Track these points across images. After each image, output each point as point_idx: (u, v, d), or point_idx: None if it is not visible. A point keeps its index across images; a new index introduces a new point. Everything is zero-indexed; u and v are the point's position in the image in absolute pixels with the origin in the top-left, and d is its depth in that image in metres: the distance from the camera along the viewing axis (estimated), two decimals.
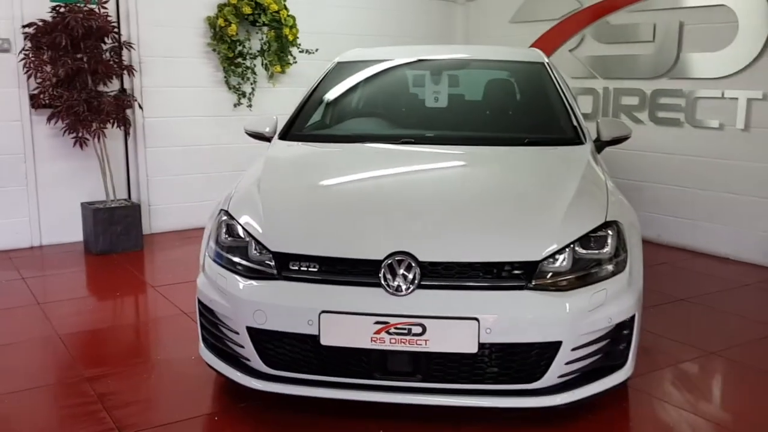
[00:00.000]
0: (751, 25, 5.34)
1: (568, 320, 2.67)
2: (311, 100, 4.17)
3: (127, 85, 6.08)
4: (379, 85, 4.38)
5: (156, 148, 6.37)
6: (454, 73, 4.47)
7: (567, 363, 2.72)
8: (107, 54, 5.71)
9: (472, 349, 2.62)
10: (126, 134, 6.16)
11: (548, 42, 6.87)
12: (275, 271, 2.82)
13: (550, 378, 2.72)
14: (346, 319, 2.67)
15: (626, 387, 3.21)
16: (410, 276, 2.68)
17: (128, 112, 6.00)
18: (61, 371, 3.49)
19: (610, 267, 2.84)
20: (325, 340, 2.69)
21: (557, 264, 2.75)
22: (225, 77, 6.55)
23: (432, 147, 3.68)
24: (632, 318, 2.88)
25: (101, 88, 5.71)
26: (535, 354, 2.69)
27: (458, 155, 3.61)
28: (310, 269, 2.79)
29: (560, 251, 2.76)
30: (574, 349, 2.71)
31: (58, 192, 5.96)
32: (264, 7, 6.33)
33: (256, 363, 2.84)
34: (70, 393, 3.23)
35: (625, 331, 2.88)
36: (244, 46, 6.47)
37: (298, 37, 6.56)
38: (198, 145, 6.57)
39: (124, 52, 5.84)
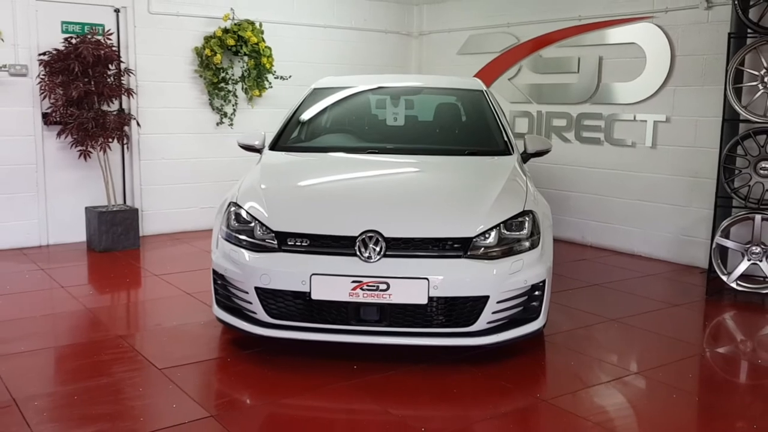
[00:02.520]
0: (656, 61, 6.47)
1: (494, 280, 3.66)
2: (294, 119, 5.11)
3: (124, 106, 6.94)
4: (348, 107, 5.36)
5: (149, 160, 7.22)
6: (410, 98, 5.46)
7: (494, 312, 3.70)
8: (110, 79, 6.57)
9: (423, 300, 3.59)
10: (124, 148, 7.01)
11: (491, 71, 7.95)
12: (276, 246, 3.75)
13: (481, 323, 3.69)
14: (331, 280, 3.61)
15: (543, 341, 4.21)
16: (378, 248, 3.64)
17: (126, 128, 6.85)
18: (98, 332, 4.34)
19: (526, 244, 3.84)
20: (314, 295, 3.63)
21: (487, 240, 3.74)
22: (209, 99, 7.46)
23: (392, 156, 4.66)
24: (543, 282, 3.88)
25: (104, 108, 6.57)
26: (470, 305, 3.66)
27: (413, 162, 4.59)
28: (302, 243, 3.73)
29: (489, 231, 3.76)
30: (499, 302, 3.69)
31: (64, 198, 6.78)
32: (245, 40, 7.28)
33: (261, 315, 3.76)
34: (110, 346, 4.09)
35: (537, 292, 3.86)
36: (226, 73, 7.39)
37: (273, 65, 7.51)
38: (185, 158, 7.45)
39: (125, 76, 6.70)
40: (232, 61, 7.43)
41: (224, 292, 3.98)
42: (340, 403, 3.43)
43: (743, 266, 5.27)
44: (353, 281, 3.59)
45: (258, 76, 7.47)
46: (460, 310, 3.67)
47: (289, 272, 3.67)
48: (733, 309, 5.14)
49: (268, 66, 7.46)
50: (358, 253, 3.65)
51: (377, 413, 3.33)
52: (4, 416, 3.19)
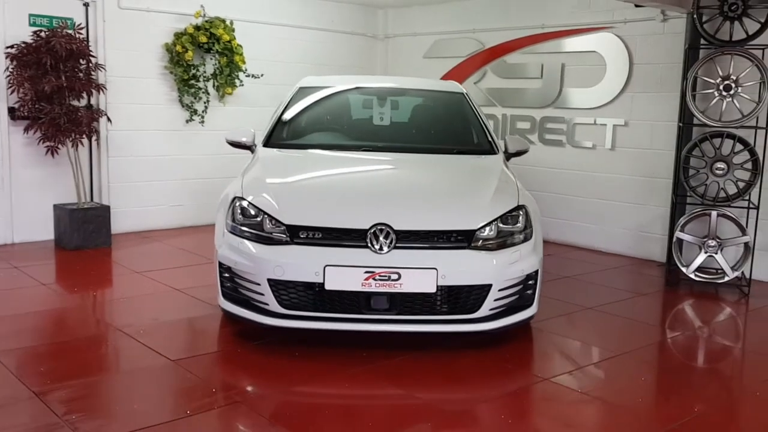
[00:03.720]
0: (616, 68, 6.87)
1: (496, 270, 3.90)
2: (284, 117, 5.22)
3: (93, 101, 6.87)
4: (337, 106, 5.52)
5: (117, 157, 7.18)
6: (396, 98, 5.66)
7: (495, 300, 3.93)
8: (81, 73, 6.51)
9: (432, 289, 3.79)
10: (92, 145, 6.95)
11: (456, 75, 8.22)
12: (288, 239, 3.89)
13: (484, 311, 3.92)
14: (344, 270, 3.77)
15: (531, 327, 4.48)
16: (388, 240, 3.82)
17: (95, 124, 6.79)
18: (97, 327, 4.36)
19: (521, 236, 4.10)
20: (328, 286, 3.78)
21: (486, 233, 3.98)
22: (179, 96, 7.46)
23: (387, 154, 4.84)
24: (536, 272, 4.14)
25: (73, 103, 6.50)
26: (474, 293, 3.88)
27: (409, 160, 4.79)
28: (315, 236, 3.88)
29: (488, 224, 3.99)
30: (500, 290, 3.93)
31: (30, 195, 6.67)
32: (217, 37, 7.32)
33: (274, 306, 3.88)
34: (114, 339, 4.13)
35: (531, 281, 4.12)
36: (197, 70, 7.42)
37: (245, 63, 7.58)
38: (154, 155, 7.43)
39: (95, 72, 6.64)
40: (204, 58, 7.45)
41: (231, 284, 4.08)
42: (360, 389, 3.58)
43: (700, 259, 5.68)
44: (366, 272, 3.75)
45: (230, 73, 7.52)
46: (465, 298, 3.89)
47: (303, 264, 3.81)
48: (692, 297, 5.53)
49: (240, 64, 7.52)
50: (369, 244, 3.82)
51: (401, 397, 3.50)
52: (29, 407, 3.22)
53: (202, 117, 7.59)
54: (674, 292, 5.64)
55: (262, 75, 7.79)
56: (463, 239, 3.93)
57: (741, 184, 5.60)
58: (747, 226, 5.61)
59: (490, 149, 5.02)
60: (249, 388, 3.56)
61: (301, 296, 3.86)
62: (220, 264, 4.11)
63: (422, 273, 3.78)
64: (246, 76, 7.72)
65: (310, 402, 3.45)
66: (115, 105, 7.06)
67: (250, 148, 5.15)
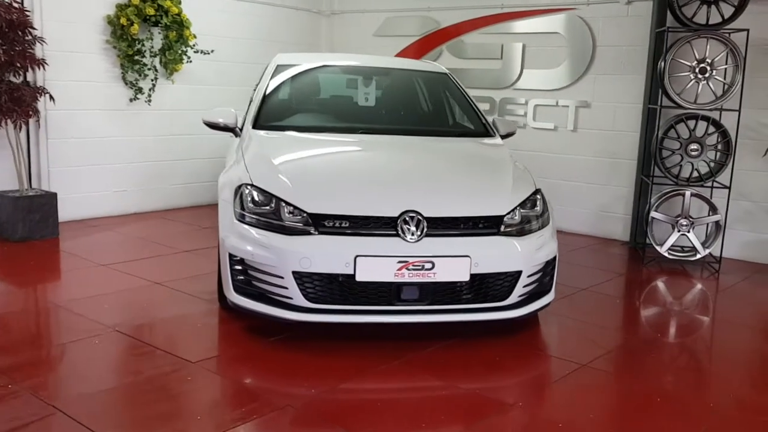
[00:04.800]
0: (578, 50, 6.93)
1: (525, 255, 3.81)
2: (269, 96, 4.91)
3: (29, 78, 6.26)
4: (323, 86, 5.26)
5: (57, 139, 6.59)
6: (381, 78, 5.45)
7: (524, 286, 3.85)
8: (20, 47, 5.89)
9: (466, 278, 3.66)
10: (30, 126, 6.33)
11: (410, 55, 8.06)
12: (312, 228, 3.64)
13: (513, 297, 3.83)
14: (376, 261, 3.57)
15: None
16: (419, 228, 3.65)
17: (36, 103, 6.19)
18: (91, 327, 3.94)
19: (541, 221, 4.03)
20: (359, 277, 3.57)
21: (513, 218, 3.88)
22: (122, 73, 6.92)
23: (388, 137, 4.65)
24: (554, 258, 4.09)
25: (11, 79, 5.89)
26: (506, 280, 3.79)
27: (415, 143, 4.61)
28: (341, 225, 3.65)
29: (514, 209, 3.90)
30: (528, 276, 3.85)
31: None
32: (165, 9, 6.83)
33: (299, 300, 3.63)
34: (117, 341, 3.76)
35: (550, 267, 4.07)
36: (143, 45, 6.90)
37: (196, 37, 7.12)
38: (96, 137, 6.87)
39: (35, 45, 6.03)
40: (152, 32, 6.94)
41: (245, 277, 3.79)
42: (403, 382, 3.42)
43: (674, 237, 5.84)
44: (399, 261, 3.58)
45: (179, 49, 7.04)
46: (497, 285, 3.78)
47: (332, 255, 3.58)
48: (673, 274, 5.66)
49: (190, 39, 7.06)
50: (400, 233, 3.64)
51: (444, 388, 3.37)
52: (54, 423, 2.86)
53: (149, 96, 7.08)
54: (652, 271, 5.76)
55: (212, 51, 7.35)
56: (491, 225, 3.81)
57: (713, 165, 5.77)
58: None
59: (486, 131, 4.93)
60: (291, 390, 3.30)
61: (329, 289, 3.64)
62: (231, 256, 3.81)
63: (455, 261, 3.64)
64: (195, 52, 7.25)
65: (360, 399, 3.27)
66: (53, 82, 6.45)
67: (233, 130, 4.82)
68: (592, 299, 4.92)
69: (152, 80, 7.05)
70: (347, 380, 3.39)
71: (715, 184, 5.81)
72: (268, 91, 4.94)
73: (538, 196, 4.10)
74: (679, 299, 5.16)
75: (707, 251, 5.81)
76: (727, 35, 5.53)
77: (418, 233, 3.65)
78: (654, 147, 5.98)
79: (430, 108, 5.29)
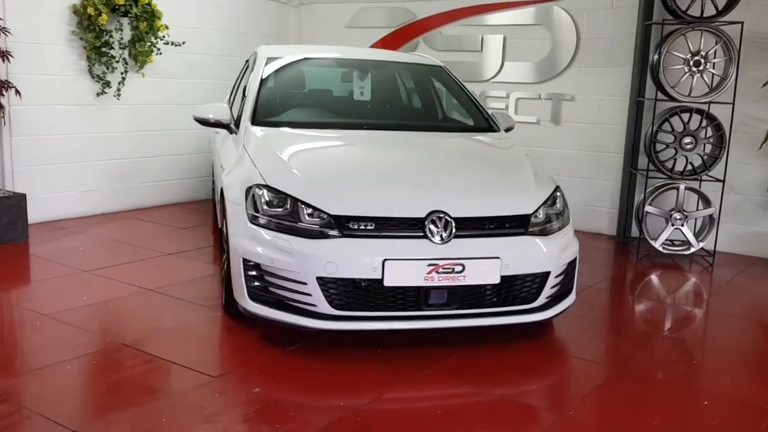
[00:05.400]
0: (562, 42, 6.86)
1: (553, 255, 3.69)
2: (264, 91, 4.66)
3: None
4: (318, 80, 5.05)
5: (20, 136, 6.16)
6: (376, 71, 5.25)
7: (551, 287, 3.72)
8: None
9: (496, 280, 3.51)
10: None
11: (385, 47, 7.87)
12: (337, 231, 3.43)
13: (541, 299, 3.70)
14: (405, 264, 3.39)
15: None
16: (448, 229, 3.48)
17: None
18: (94, 341, 3.63)
19: (562, 220, 3.91)
20: (387, 282, 3.38)
21: (537, 217, 3.75)
22: (88, 66, 6.51)
23: (395, 133, 4.46)
24: (576, 258, 3.97)
25: None
26: (534, 281, 3.65)
27: (425, 139, 4.45)
28: (367, 227, 3.45)
29: (539, 208, 3.77)
30: (555, 277, 3.72)
31: None
32: None
33: (323, 307, 3.41)
34: (127, 356, 3.47)
35: (572, 267, 3.95)
36: (111, 36, 6.51)
37: (168, 28, 6.76)
38: (61, 134, 6.45)
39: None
40: (121, 23, 6.55)
41: (261, 283, 3.55)
42: (436, 390, 3.27)
43: (668, 232, 5.83)
44: (429, 264, 3.40)
45: (150, 41, 6.67)
46: (526, 287, 3.64)
47: (359, 259, 3.38)
48: (672, 269, 5.63)
49: (162, 30, 6.70)
50: (428, 234, 3.46)
51: (479, 395, 3.23)
52: None
53: (118, 90, 6.69)
54: (647, 265, 5.72)
55: (183, 43, 7.00)
56: (518, 225, 3.67)
57: (707, 158, 5.77)
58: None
59: (489, 126, 4.79)
60: (325, 403, 3.09)
61: (355, 295, 3.43)
62: (246, 261, 3.56)
63: (486, 263, 3.49)
64: (165, 43, 6.89)
65: (397, 410, 3.09)
66: (17, 76, 6.02)
67: (227, 126, 4.56)
68: (600, 297, 4.85)
69: (122, 74, 6.66)
70: (380, 391, 3.20)
71: (708, 178, 5.80)
72: (263, 86, 4.69)
73: (558, 194, 3.99)
74: (700, 297, 5.10)
75: (701, 245, 5.81)
76: (721, 28, 5.52)
77: (447, 234, 3.47)
78: (647, 140, 5.95)
79: (429, 102, 5.12)
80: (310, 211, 3.49)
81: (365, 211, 3.47)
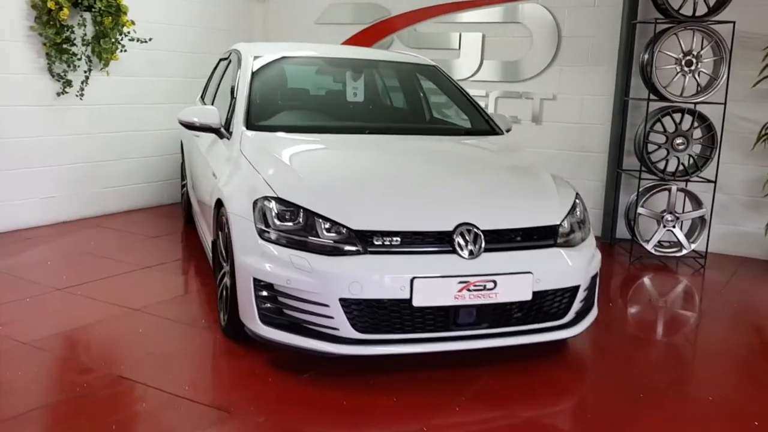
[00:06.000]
0: (543, 40, 6.72)
1: (583, 268, 3.51)
2: (255, 93, 4.35)
3: None
4: (310, 81, 4.76)
5: None
6: (371, 72, 4.99)
7: (580, 302, 3.55)
8: None
9: (528, 296, 3.30)
10: None
11: (358, 43, 7.59)
12: (360, 247, 3.17)
13: (570, 315, 3.52)
14: (435, 282, 3.15)
15: None
16: (477, 243, 3.26)
17: None
18: (84, 372, 3.28)
19: (584, 230, 3.73)
20: (417, 302, 3.14)
21: (564, 227, 3.56)
22: (48, 64, 6.05)
23: (399, 137, 4.23)
24: (598, 270, 3.80)
25: None
26: (564, 296, 3.46)
27: (434, 144, 4.23)
28: (392, 243, 3.20)
29: (565, 217, 3.58)
30: (584, 291, 3.55)
31: None
32: None
33: (346, 331, 3.15)
34: (125, 390, 3.13)
35: (594, 280, 3.76)
36: (72, 32, 6.05)
37: (134, 24, 6.34)
38: (18, 137, 5.97)
39: None
40: (84, 18, 6.09)
41: (274, 305, 3.27)
42: (476, 416, 3.05)
43: (660, 233, 5.76)
44: (460, 282, 3.17)
45: (115, 37, 6.24)
46: (557, 302, 3.45)
47: (386, 278, 3.12)
48: (669, 273, 5.54)
49: (128, 26, 6.27)
50: (457, 249, 3.23)
51: (506, 417, 3.06)
52: None
53: (81, 89, 6.24)
54: (639, 268, 5.64)
55: (150, 39, 6.58)
56: (546, 236, 3.48)
57: (698, 159, 5.71)
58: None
59: (491, 129, 4.60)
60: None
61: (380, 316, 3.18)
62: (257, 281, 3.27)
63: (517, 279, 3.28)
64: (130, 40, 6.45)
65: None
66: None
67: (216, 131, 4.25)
68: (608, 304, 4.70)
69: (85, 72, 6.21)
70: (424, 420, 2.95)
71: (699, 179, 5.75)
72: (253, 87, 4.38)
73: (578, 201, 3.81)
74: (709, 302, 5.02)
75: (693, 246, 5.76)
76: (712, 27, 5.45)
77: (476, 249, 3.25)
78: (638, 141, 5.86)
79: (427, 104, 4.90)
80: (328, 225, 3.22)
81: (390, 225, 3.22)
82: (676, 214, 5.75)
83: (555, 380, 3.45)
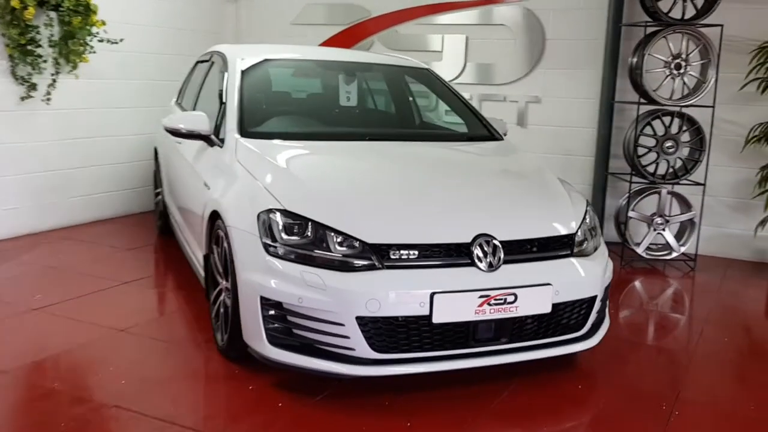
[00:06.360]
0: (527, 43, 6.62)
1: (599, 278, 3.39)
2: (246, 98, 4.13)
3: None
4: (303, 85, 4.56)
5: None
6: (364, 75, 4.80)
7: (596, 312, 3.42)
8: None
9: (548, 309, 3.16)
10: None
11: (337, 45, 7.40)
12: (377, 262, 2.98)
13: (586, 326, 3.39)
14: (455, 297, 2.99)
15: None
16: (497, 254, 3.11)
17: None
18: (70, 403, 3.02)
19: (596, 238, 3.61)
20: (437, 318, 2.97)
21: (578, 236, 3.43)
22: (11, 66, 5.70)
23: (401, 143, 4.06)
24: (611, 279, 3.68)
25: None
26: (582, 307, 3.33)
27: (436, 150, 4.07)
28: (410, 257, 3.02)
29: (579, 226, 3.46)
30: (600, 301, 3.42)
31: None
32: None
33: (363, 351, 2.96)
34: (124, 423, 2.88)
35: (607, 289, 3.65)
36: (38, 32, 5.72)
37: (105, 24, 6.02)
38: None
39: None
40: (51, 17, 5.76)
41: (282, 325, 3.06)
42: None
43: (650, 237, 5.71)
44: (481, 296, 3.01)
45: (84, 38, 5.92)
46: (576, 314, 3.32)
47: (405, 294, 2.95)
48: (660, 276, 5.49)
49: (98, 26, 5.96)
50: (476, 261, 3.07)
51: None
52: None
53: (48, 93, 5.90)
54: (631, 271, 5.56)
55: (121, 40, 6.27)
56: (562, 246, 3.34)
57: (687, 162, 5.67)
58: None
59: (490, 134, 4.46)
60: None
61: (398, 335, 3.00)
62: (264, 300, 3.06)
63: (537, 291, 3.14)
64: (99, 41, 6.14)
65: None
66: None
67: (206, 138, 4.03)
68: (611, 311, 4.59)
69: (51, 75, 5.88)
70: None
71: (688, 182, 5.71)
72: (245, 92, 4.15)
73: (588, 208, 3.69)
74: (707, 305, 4.95)
75: (683, 249, 5.72)
76: (700, 30, 5.42)
77: (495, 261, 3.10)
78: (627, 144, 5.80)
79: (423, 109, 4.73)
80: (340, 239, 3.03)
81: (407, 238, 3.05)
82: (666, 217, 5.70)
83: (573, 392, 3.32)
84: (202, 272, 4.02)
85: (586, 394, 3.34)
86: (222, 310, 3.52)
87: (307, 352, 3.03)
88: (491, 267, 3.08)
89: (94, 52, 6.14)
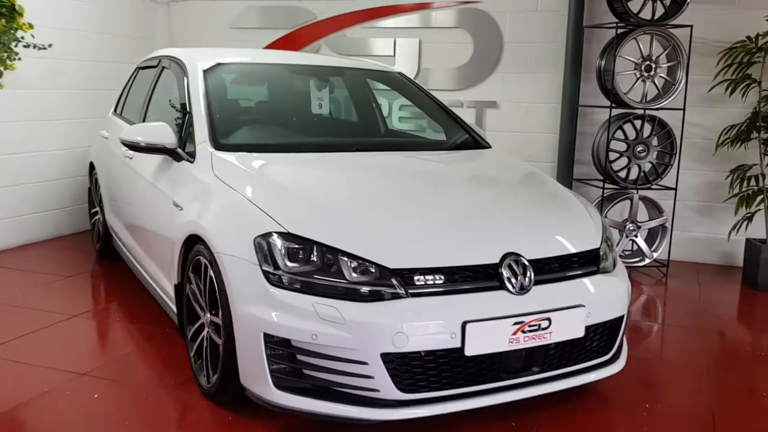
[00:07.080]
0: (484, 46, 6.41)
1: (626, 295, 3.15)
2: (215, 107, 3.69)
3: None
4: (275, 92, 4.16)
5: None
6: (336, 81, 4.44)
7: (622, 334, 3.18)
8: None
9: (581, 333, 2.89)
10: None
11: (281, 48, 6.98)
12: (401, 290, 2.63)
13: (613, 348, 3.14)
14: (488, 326, 2.67)
15: None
16: (527, 274, 2.81)
17: None
18: None
19: (614, 252, 3.37)
20: (469, 350, 2.64)
21: (602, 252, 3.18)
22: None
23: (391, 154, 3.73)
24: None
25: None
26: (610, 328, 3.08)
27: (434, 161, 3.77)
28: (436, 282, 2.69)
29: (602, 240, 3.21)
30: (625, 322, 3.18)
31: None
32: None
33: (388, 391, 2.61)
34: None
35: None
36: None
37: (33, 28, 5.39)
38: None
39: None
40: None
41: (290, 366, 2.66)
42: None
43: (623, 243, 5.58)
44: (515, 323, 2.71)
45: (10, 43, 5.28)
46: (605, 336, 3.07)
47: (433, 325, 2.61)
48: (637, 284, 5.36)
49: (25, 29, 5.32)
50: (507, 283, 2.77)
51: None
52: None
53: None
54: None
55: (50, 45, 5.64)
56: (587, 263, 3.08)
57: (658, 165, 5.58)
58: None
59: (477, 142, 4.19)
60: None
61: (427, 371, 2.65)
62: (268, 337, 2.65)
63: (569, 314, 2.86)
64: (25, 46, 5.50)
65: None
66: None
67: (172, 152, 3.57)
68: None
69: None
70: None
71: (658, 186, 5.61)
72: (212, 101, 3.72)
73: (603, 217, 3.46)
74: (708, 309, 4.82)
75: (655, 255, 5.61)
76: (670, 32, 5.33)
77: (527, 282, 2.80)
78: (597, 149, 5.66)
79: (410, 116, 4.43)
80: (355, 264, 2.66)
81: (431, 261, 2.71)
82: (638, 223, 5.58)
83: (605, 419, 3.06)
84: (172, 305, 3.55)
85: (620, 421, 3.09)
86: (207, 346, 3.08)
87: (322, 396, 2.65)
88: (522, 290, 2.78)
89: (20, 59, 5.49)
